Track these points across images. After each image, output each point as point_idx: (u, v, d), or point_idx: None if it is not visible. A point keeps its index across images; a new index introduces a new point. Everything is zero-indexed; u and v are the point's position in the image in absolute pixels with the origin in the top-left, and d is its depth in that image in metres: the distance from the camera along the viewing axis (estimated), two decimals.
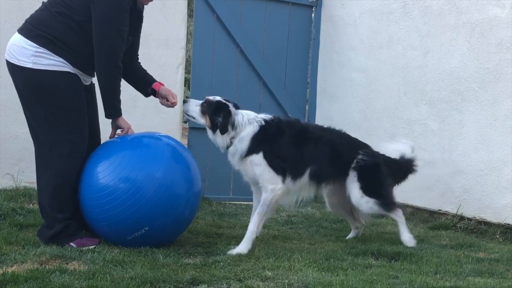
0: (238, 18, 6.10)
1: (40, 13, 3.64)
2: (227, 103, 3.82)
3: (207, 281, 2.92)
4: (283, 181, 3.77)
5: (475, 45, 4.96)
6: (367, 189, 4.02)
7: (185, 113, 3.90)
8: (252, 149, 3.74)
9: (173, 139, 3.87)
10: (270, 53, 6.28)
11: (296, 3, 6.37)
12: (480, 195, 4.90)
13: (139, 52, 5.57)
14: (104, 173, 3.48)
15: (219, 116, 3.74)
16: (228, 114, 3.75)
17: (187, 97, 3.92)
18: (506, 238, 4.58)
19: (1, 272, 2.80)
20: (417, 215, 5.35)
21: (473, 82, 4.97)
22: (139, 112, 5.57)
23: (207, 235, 4.11)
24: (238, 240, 4.02)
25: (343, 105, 6.21)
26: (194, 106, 3.83)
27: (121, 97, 5.53)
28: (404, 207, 5.52)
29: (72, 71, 3.59)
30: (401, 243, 4.15)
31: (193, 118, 3.85)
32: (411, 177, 5.45)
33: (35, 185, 4.58)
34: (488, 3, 4.88)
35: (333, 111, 6.28)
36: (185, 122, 6.09)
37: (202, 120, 3.81)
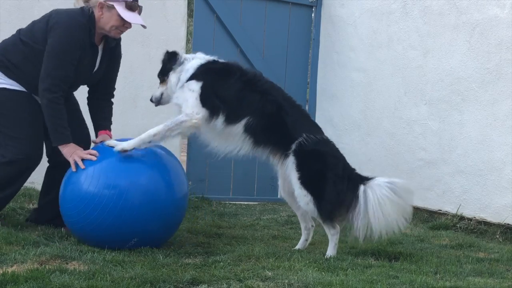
0: (238, 18, 6.10)
1: (9, 38, 3.79)
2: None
3: (207, 281, 2.92)
4: (208, 115, 3.56)
5: (475, 45, 4.96)
6: (305, 181, 3.51)
7: (158, 101, 3.87)
8: (193, 76, 3.62)
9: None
10: (270, 53, 6.28)
11: (296, 3, 6.37)
12: (480, 195, 4.90)
13: (140, 53, 5.59)
14: (88, 181, 3.44)
15: (169, 58, 3.73)
16: (171, 53, 3.75)
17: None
18: (506, 238, 4.59)
19: (1, 272, 2.80)
20: (417, 215, 5.35)
21: (473, 82, 4.97)
22: (139, 112, 5.57)
23: (207, 235, 4.11)
24: (238, 240, 4.03)
25: (343, 105, 6.21)
26: (157, 90, 3.86)
27: (122, 96, 5.56)
28: None
29: (24, 90, 3.70)
30: (401, 243, 4.15)
31: (161, 94, 3.83)
32: (411, 177, 5.48)
33: (35, 185, 4.59)
34: (488, 3, 4.88)
35: (333, 111, 6.28)
36: None
37: (165, 86, 3.79)
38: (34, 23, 3.77)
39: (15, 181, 3.72)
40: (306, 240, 3.90)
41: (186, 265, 3.23)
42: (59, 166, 3.77)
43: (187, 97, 3.60)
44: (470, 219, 4.92)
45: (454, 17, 5.14)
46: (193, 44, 5.99)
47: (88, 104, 4.04)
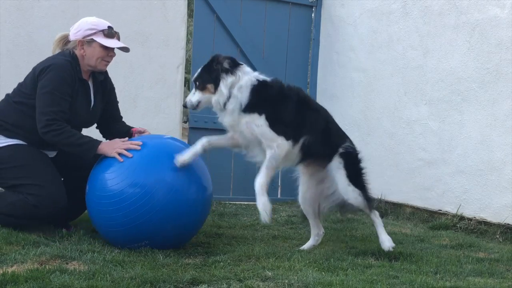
0: (238, 18, 6.10)
1: (0, 103, 3.84)
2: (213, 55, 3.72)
3: (207, 281, 2.92)
4: (286, 140, 3.61)
5: (475, 45, 4.96)
6: (352, 178, 3.80)
7: (192, 107, 3.65)
8: (252, 105, 3.54)
9: (180, 141, 3.85)
10: (270, 53, 6.28)
11: (296, 3, 6.37)
12: (480, 195, 4.90)
13: (140, 53, 5.60)
14: (114, 179, 3.46)
15: (218, 65, 3.56)
16: (222, 56, 3.61)
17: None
18: (506, 238, 4.59)
19: (1, 272, 2.80)
20: (417, 215, 5.35)
21: (473, 82, 4.97)
22: (139, 112, 5.57)
23: (207, 235, 4.11)
24: (238, 240, 4.03)
25: (343, 105, 6.21)
26: (192, 95, 3.63)
27: (122, 96, 5.56)
28: (404, 207, 5.53)
29: (27, 144, 3.73)
30: (401, 243, 4.15)
31: (198, 102, 3.60)
32: (411, 177, 5.49)
33: None
34: (488, 3, 4.88)
35: (333, 111, 6.23)
36: (185, 122, 6.09)
37: (206, 95, 3.57)
38: (20, 84, 3.81)
39: (45, 218, 3.77)
40: (314, 245, 3.99)
41: (186, 265, 3.23)
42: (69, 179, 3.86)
43: (260, 132, 3.57)
44: (470, 219, 4.92)
45: (454, 17, 5.14)
46: (193, 44, 5.99)
47: (106, 137, 4.04)
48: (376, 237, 4.40)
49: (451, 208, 5.11)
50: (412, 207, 5.46)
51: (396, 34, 5.67)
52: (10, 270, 2.86)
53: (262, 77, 3.68)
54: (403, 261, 3.62)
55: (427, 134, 5.36)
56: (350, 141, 3.96)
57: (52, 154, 3.86)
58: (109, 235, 3.56)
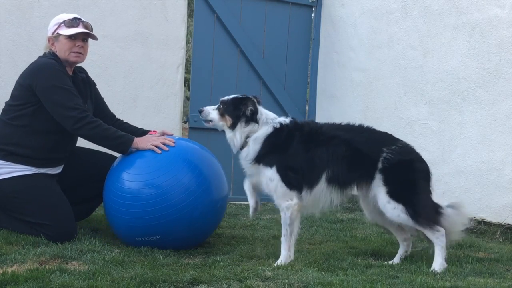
0: (238, 18, 6.10)
1: None
2: (247, 96, 3.67)
3: (207, 281, 2.92)
4: (298, 195, 3.52)
5: (475, 45, 4.96)
6: (394, 193, 3.45)
7: (205, 119, 3.67)
8: (263, 156, 3.52)
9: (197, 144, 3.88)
10: (270, 53, 6.28)
11: (296, 3, 6.37)
12: (480, 195, 4.89)
13: (140, 53, 5.60)
14: (131, 178, 3.50)
15: (244, 106, 3.55)
16: (252, 101, 3.58)
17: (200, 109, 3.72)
18: (506, 238, 4.58)
19: (1, 272, 2.80)
20: None
21: (473, 82, 4.97)
22: (139, 112, 5.57)
23: None
24: (238, 240, 4.03)
25: (343, 105, 6.21)
26: (212, 110, 3.64)
27: (122, 96, 5.56)
28: None
29: (37, 172, 3.67)
30: None
31: (211, 121, 3.64)
32: None
33: None
34: (488, 3, 4.88)
35: (333, 111, 6.28)
36: (185, 122, 6.09)
37: (221, 122, 3.60)
38: (9, 101, 3.76)
39: None
40: (406, 251, 3.76)
41: (186, 265, 3.23)
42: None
43: (273, 188, 3.51)
44: (470, 219, 4.91)
45: (454, 17, 5.13)
46: (193, 44, 5.99)
47: None
48: (376, 236, 4.40)
49: None
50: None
51: (396, 34, 5.66)
52: (10, 270, 2.86)
53: (280, 121, 3.59)
54: (403, 261, 3.62)
55: (427, 134, 5.36)
56: (392, 146, 3.57)
57: (58, 170, 3.82)
58: (121, 228, 3.59)
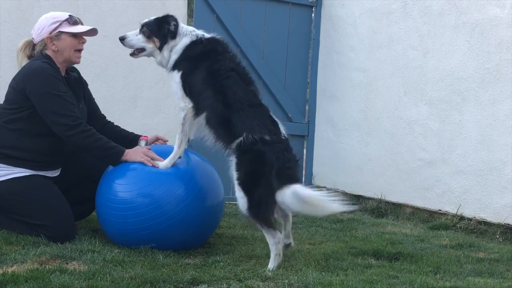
0: (238, 18, 6.09)
1: None
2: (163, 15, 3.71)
3: (207, 281, 2.92)
4: (191, 104, 3.54)
5: (475, 45, 4.96)
6: (243, 182, 3.35)
7: (131, 47, 3.68)
8: (175, 65, 3.59)
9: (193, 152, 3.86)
10: (270, 53, 6.27)
11: (296, 3, 6.36)
12: (480, 195, 4.90)
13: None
14: (124, 187, 3.50)
15: (167, 24, 3.60)
16: (168, 20, 3.63)
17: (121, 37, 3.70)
18: (506, 238, 4.59)
19: (1, 272, 2.80)
20: (417, 215, 5.35)
21: (473, 82, 4.97)
22: (139, 112, 5.57)
23: None
24: (238, 240, 4.02)
25: (343, 105, 6.21)
26: (135, 36, 3.66)
27: (122, 96, 5.56)
28: (404, 207, 5.53)
29: (34, 174, 3.65)
30: (401, 243, 4.15)
31: (143, 49, 3.66)
32: (411, 177, 5.48)
33: None
34: (488, 3, 4.88)
35: (333, 111, 6.28)
36: None
37: (150, 45, 3.62)
38: (1, 106, 3.73)
39: None
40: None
41: (186, 265, 3.23)
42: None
43: (175, 89, 3.59)
44: (470, 219, 4.92)
45: (454, 17, 5.14)
46: None
47: None
48: (376, 236, 4.40)
49: (451, 208, 5.11)
50: (412, 207, 5.46)
51: (396, 34, 5.67)
52: (10, 270, 2.86)
53: (201, 36, 3.63)
54: (403, 261, 3.62)
55: (427, 134, 5.36)
56: (258, 129, 3.38)
57: (55, 173, 3.81)
58: (115, 236, 3.59)
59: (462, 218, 4.97)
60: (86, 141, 3.56)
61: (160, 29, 3.62)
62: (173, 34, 3.61)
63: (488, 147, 4.85)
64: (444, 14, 5.22)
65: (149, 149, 3.64)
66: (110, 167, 3.67)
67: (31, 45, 3.77)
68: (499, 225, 4.70)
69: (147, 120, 5.56)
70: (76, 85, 3.86)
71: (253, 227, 3.48)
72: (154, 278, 2.86)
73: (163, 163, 3.55)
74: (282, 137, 3.46)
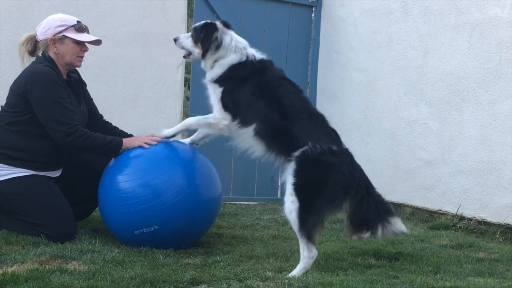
0: (238, 18, 6.10)
1: None
2: (215, 21, 3.67)
3: (207, 281, 2.92)
4: (230, 119, 3.52)
5: (475, 45, 4.96)
6: (300, 188, 3.24)
7: (182, 49, 3.71)
8: (221, 80, 3.56)
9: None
10: (270, 53, 6.15)
11: (296, 3, 6.37)
12: (480, 195, 4.90)
13: (140, 53, 5.60)
14: (126, 178, 3.53)
15: (213, 33, 3.57)
16: (212, 29, 3.58)
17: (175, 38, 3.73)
18: (506, 238, 4.59)
19: (1, 272, 2.80)
20: (417, 215, 5.35)
21: (473, 82, 4.97)
22: (139, 112, 5.57)
23: (207, 235, 4.11)
24: (238, 240, 4.03)
25: (343, 105, 6.21)
26: (186, 39, 3.67)
27: (122, 96, 5.56)
28: (404, 207, 5.53)
29: (34, 174, 3.65)
30: (401, 243, 4.14)
31: (189, 53, 3.68)
32: (411, 177, 5.48)
33: None
34: (488, 3, 4.88)
35: (333, 111, 6.28)
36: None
37: (196, 50, 3.62)
38: (4, 107, 3.73)
39: None
40: None
41: (186, 265, 3.23)
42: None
43: (213, 102, 3.59)
44: (470, 219, 4.92)
45: (454, 17, 5.14)
46: None
47: None
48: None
49: (451, 208, 5.11)
50: (412, 207, 5.46)
51: (396, 34, 5.67)
52: (10, 270, 2.86)
53: (252, 56, 3.59)
54: (403, 261, 3.62)
55: (427, 134, 5.36)
56: (324, 142, 3.33)
57: (56, 174, 3.82)
58: (115, 224, 3.61)
59: (462, 218, 4.97)
60: (84, 143, 3.60)
61: (205, 37, 3.57)
62: (218, 45, 3.57)
63: (488, 147, 4.85)
64: (444, 14, 5.22)
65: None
66: (111, 163, 3.70)
67: (33, 40, 3.77)
68: (499, 225, 4.70)
69: (147, 120, 5.56)
70: (77, 86, 3.87)
71: (295, 235, 3.34)
72: (154, 278, 2.86)
73: (166, 130, 3.67)
74: (344, 147, 3.46)
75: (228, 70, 3.56)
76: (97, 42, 3.82)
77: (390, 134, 5.70)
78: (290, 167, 3.30)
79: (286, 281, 2.94)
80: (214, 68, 3.59)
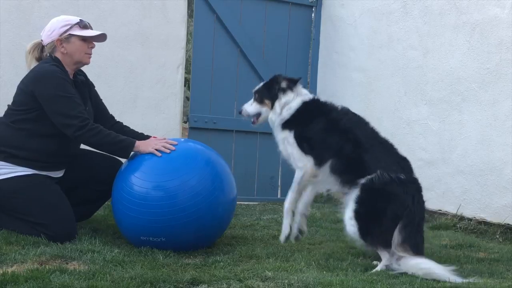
0: (238, 18, 6.10)
1: None
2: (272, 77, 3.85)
3: (207, 281, 2.92)
4: (312, 161, 3.61)
5: (475, 45, 4.96)
6: (361, 217, 3.41)
7: (249, 116, 3.85)
8: (289, 123, 3.68)
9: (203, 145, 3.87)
10: (270, 53, 6.28)
11: (296, 3, 6.37)
12: (480, 195, 4.90)
13: (140, 53, 5.60)
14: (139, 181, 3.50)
15: (276, 84, 3.75)
16: (272, 81, 3.78)
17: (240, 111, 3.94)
18: (506, 238, 4.59)
19: (1, 272, 2.80)
20: None
21: (473, 82, 4.97)
22: (139, 112, 5.57)
23: None
24: (238, 240, 4.02)
25: (343, 105, 6.19)
26: (250, 105, 3.85)
27: (122, 96, 5.56)
28: None
29: (37, 173, 3.65)
30: None
31: (258, 115, 3.81)
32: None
33: None
34: (488, 3, 4.88)
35: None
36: (185, 122, 6.09)
37: (264, 108, 3.78)
38: (11, 105, 3.73)
39: None
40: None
41: (186, 265, 3.23)
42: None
43: (290, 151, 3.67)
44: (470, 219, 4.92)
45: (454, 17, 5.14)
46: (193, 44, 5.99)
47: None
48: None
49: (451, 208, 5.11)
50: None
51: (396, 34, 5.67)
52: (10, 270, 2.86)
53: (315, 97, 3.79)
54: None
55: (427, 134, 5.36)
56: (388, 169, 3.43)
57: (59, 174, 3.81)
58: (128, 227, 3.59)
59: (462, 218, 4.97)
60: (95, 138, 3.58)
61: (270, 90, 3.77)
62: (284, 90, 3.73)
63: (488, 147, 4.85)
64: (444, 14, 5.23)
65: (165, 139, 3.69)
66: (126, 163, 3.67)
67: (39, 47, 3.79)
68: (499, 225, 4.70)
69: (147, 120, 5.56)
70: (83, 87, 3.88)
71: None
72: (154, 278, 2.86)
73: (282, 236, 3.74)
74: (414, 177, 3.58)
75: (295, 112, 3.70)
76: (102, 37, 3.83)
77: (390, 134, 5.68)
78: (354, 193, 3.44)
79: (286, 281, 2.94)
80: (283, 113, 3.72)
